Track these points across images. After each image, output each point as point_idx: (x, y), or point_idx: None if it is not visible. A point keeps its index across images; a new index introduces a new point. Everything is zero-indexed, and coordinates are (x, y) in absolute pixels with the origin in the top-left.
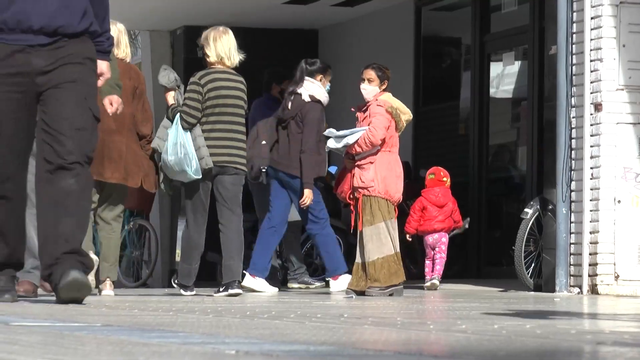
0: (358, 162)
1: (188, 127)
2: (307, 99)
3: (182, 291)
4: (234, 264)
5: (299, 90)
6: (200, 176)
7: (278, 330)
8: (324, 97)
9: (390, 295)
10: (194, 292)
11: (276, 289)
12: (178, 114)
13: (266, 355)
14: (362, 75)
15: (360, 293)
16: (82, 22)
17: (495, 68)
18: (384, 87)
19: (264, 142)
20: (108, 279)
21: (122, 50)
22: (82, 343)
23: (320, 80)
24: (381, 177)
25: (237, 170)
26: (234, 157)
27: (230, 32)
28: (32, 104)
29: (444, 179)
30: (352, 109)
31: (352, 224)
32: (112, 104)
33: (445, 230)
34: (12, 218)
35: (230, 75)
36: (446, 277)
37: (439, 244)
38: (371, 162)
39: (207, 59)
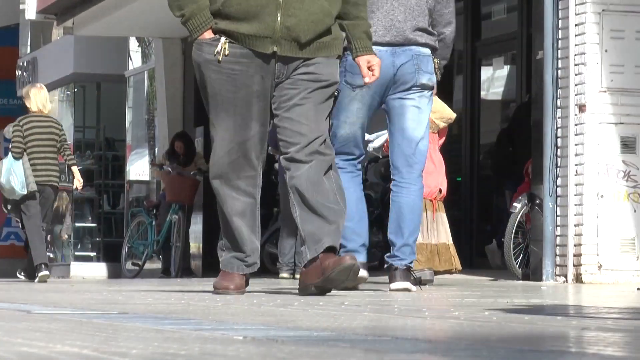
0: None
1: (17, 157)
2: None
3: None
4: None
5: None
6: (26, 192)
7: (283, 317)
8: None
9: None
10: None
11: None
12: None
13: (272, 340)
14: None
15: None
16: None
17: (485, 72)
18: None
19: None
20: None
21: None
22: (99, 330)
23: None
24: None
25: (52, 185)
26: (50, 176)
27: (44, 88)
28: None
29: None
30: None
31: None
32: None
33: None
34: None
35: (44, 118)
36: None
37: None
38: None
39: (29, 108)
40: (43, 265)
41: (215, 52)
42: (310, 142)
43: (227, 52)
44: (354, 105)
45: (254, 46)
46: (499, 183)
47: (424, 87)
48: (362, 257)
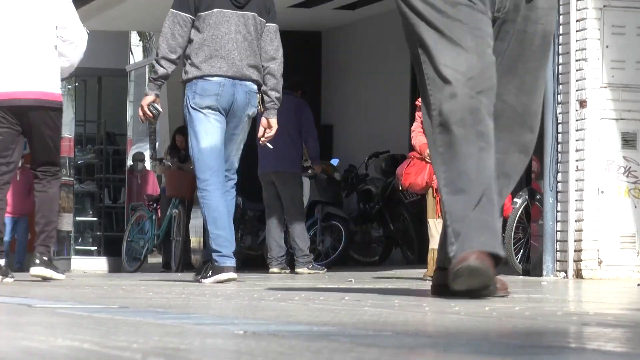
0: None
1: None
2: None
3: None
4: None
5: None
6: None
7: (284, 312)
8: None
9: None
10: None
11: None
12: None
13: (272, 335)
14: None
15: None
16: None
17: None
18: None
19: None
20: None
21: None
22: (100, 324)
23: None
24: None
25: None
26: None
27: None
28: None
29: None
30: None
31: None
32: None
33: None
34: None
35: None
36: None
37: None
38: None
39: None
40: None
41: None
42: (527, 117)
43: None
44: (208, 121)
45: None
46: None
47: (248, 117)
48: (232, 262)
